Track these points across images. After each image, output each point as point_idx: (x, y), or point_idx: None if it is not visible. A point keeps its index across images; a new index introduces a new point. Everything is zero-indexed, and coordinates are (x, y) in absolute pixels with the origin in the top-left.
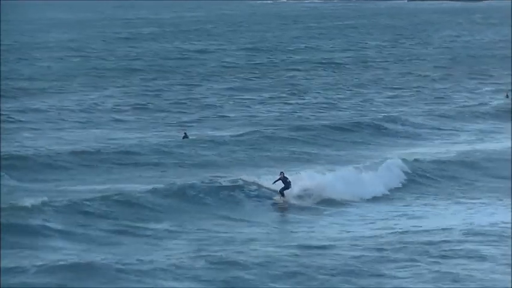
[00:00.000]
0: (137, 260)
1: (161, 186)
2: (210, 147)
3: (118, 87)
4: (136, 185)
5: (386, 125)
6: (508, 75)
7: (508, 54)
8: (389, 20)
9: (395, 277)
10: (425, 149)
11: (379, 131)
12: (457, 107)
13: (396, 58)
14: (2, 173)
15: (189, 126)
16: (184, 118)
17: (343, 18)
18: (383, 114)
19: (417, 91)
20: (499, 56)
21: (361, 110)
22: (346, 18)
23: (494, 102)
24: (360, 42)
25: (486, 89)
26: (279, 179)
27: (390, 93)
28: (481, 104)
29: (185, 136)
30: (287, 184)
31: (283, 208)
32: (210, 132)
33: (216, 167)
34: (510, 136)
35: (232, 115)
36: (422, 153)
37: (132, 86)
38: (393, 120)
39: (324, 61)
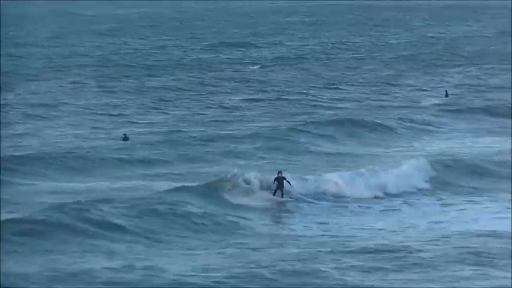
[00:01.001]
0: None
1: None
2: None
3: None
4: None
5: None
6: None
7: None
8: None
9: None
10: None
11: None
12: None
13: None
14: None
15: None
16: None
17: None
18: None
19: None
20: (441, 53)
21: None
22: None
23: (434, 100)
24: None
25: (431, 85)
26: (277, 179)
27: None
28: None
29: (125, 137)
30: (281, 184)
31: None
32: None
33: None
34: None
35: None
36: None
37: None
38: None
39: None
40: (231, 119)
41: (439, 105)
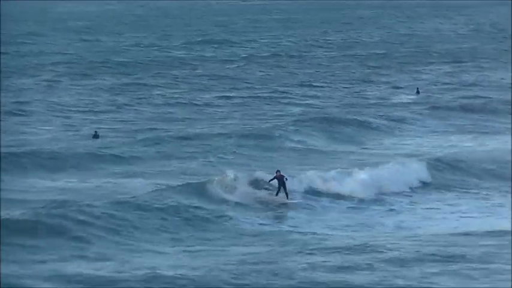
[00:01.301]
0: None
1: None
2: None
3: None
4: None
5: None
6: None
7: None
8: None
9: None
10: None
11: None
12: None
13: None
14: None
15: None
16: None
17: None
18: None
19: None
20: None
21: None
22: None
23: (405, 98)
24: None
25: (403, 83)
26: (275, 178)
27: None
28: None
29: (95, 135)
30: (283, 183)
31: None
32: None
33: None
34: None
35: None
36: None
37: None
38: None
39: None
40: (204, 117)
41: (410, 102)
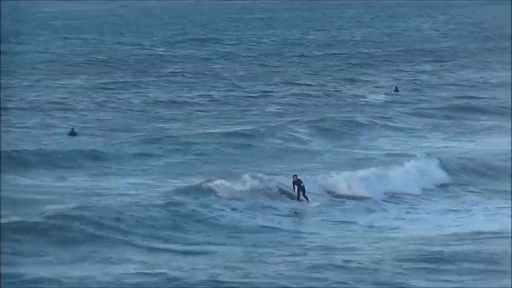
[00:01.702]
0: None
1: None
2: None
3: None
4: None
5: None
6: (392, 71)
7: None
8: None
9: None
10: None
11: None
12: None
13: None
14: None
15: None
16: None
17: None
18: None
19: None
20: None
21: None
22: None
23: (384, 96)
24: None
25: (383, 81)
26: (294, 183)
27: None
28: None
29: (71, 132)
30: (302, 187)
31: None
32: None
33: None
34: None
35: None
36: None
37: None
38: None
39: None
40: (184, 116)
41: (389, 101)
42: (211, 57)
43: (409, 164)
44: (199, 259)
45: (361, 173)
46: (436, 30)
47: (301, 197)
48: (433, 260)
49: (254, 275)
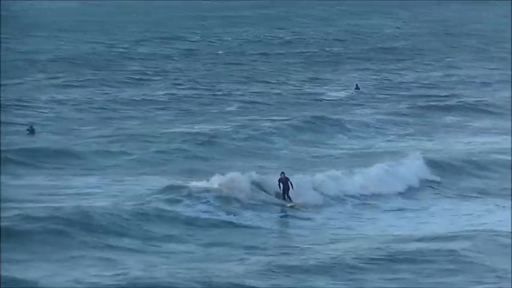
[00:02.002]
0: None
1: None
2: None
3: None
4: None
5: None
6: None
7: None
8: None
9: None
10: None
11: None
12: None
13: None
14: None
15: None
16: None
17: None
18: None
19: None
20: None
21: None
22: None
23: (345, 93)
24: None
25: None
26: (280, 180)
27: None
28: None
29: (30, 129)
30: (288, 185)
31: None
32: None
33: None
34: None
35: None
36: None
37: None
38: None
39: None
40: (145, 115)
41: (349, 98)
42: (172, 54)
43: (376, 165)
44: (161, 258)
45: (328, 173)
46: (399, 29)
47: (286, 196)
48: (387, 259)
49: (212, 274)
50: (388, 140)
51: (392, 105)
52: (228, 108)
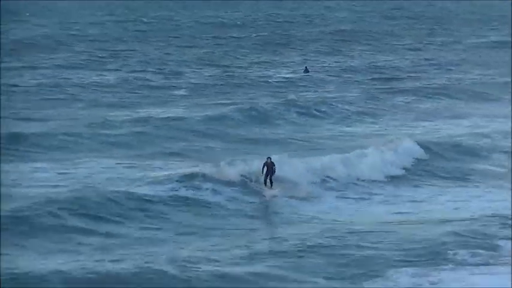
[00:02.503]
0: None
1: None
2: None
3: None
4: None
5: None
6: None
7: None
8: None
9: None
10: None
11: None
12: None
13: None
14: None
15: None
16: None
17: None
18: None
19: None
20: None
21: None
22: None
23: (295, 75)
24: None
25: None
26: (265, 164)
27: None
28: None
29: None
30: (272, 171)
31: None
32: None
33: None
34: None
35: None
36: None
37: None
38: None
39: None
40: (95, 97)
41: (298, 81)
42: (124, 36)
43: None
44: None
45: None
46: (352, 12)
47: (268, 180)
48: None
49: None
50: (333, 123)
51: (341, 87)
52: (179, 92)
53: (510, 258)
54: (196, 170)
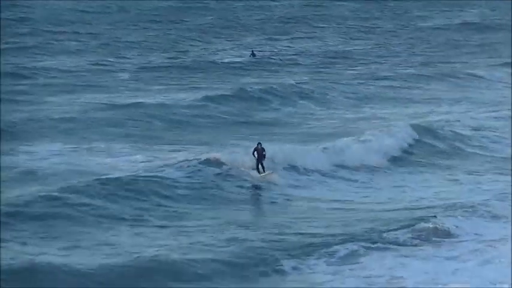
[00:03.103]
0: None
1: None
2: None
3: None
4: None
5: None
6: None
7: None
8: None
9: None
10: None
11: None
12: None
13: None
14: None
15: None
16: None
17: None
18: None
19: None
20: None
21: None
22: None
23: (240, 59)
24: None
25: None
26: (255, 150)
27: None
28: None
29: None
30: (262, 156)
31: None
32: None
33: None
34: None
35: None
36: None
37: None
38: None
39: None
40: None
41: (244, 65)
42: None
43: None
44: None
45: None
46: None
47: (260, 166)
48: None
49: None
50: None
51: (287, 72)
52: (122, 76)
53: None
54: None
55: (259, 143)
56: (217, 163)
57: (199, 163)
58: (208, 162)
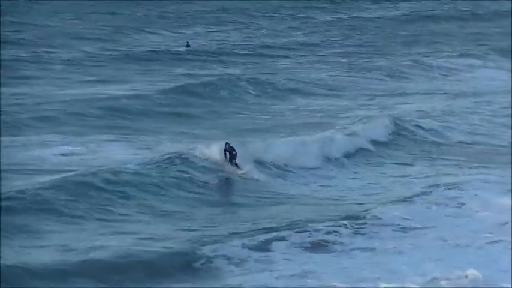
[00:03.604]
0: None
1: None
2: None
3: None
4: None
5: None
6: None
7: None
8: None
9: None
10: None
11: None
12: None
13: None
14: None
15: None
16: None
17: None
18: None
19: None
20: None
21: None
22: None
23: (176, 49)
24: None
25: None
26: (226, 150)
27: None
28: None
29: None
30: (234, 155)
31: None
32: None
33: None
34: None
35: None
36: None
37: None
38: None
39: None
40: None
41: (183, 54)
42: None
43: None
44: None
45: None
46: None
47: (233, 165)
48: None
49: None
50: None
51: (223, 63)
52: (53, 67)
53: None
54: None
55: (226, 143)
56: (176, 157)
57: (160, 157)
58: (170, 156)
